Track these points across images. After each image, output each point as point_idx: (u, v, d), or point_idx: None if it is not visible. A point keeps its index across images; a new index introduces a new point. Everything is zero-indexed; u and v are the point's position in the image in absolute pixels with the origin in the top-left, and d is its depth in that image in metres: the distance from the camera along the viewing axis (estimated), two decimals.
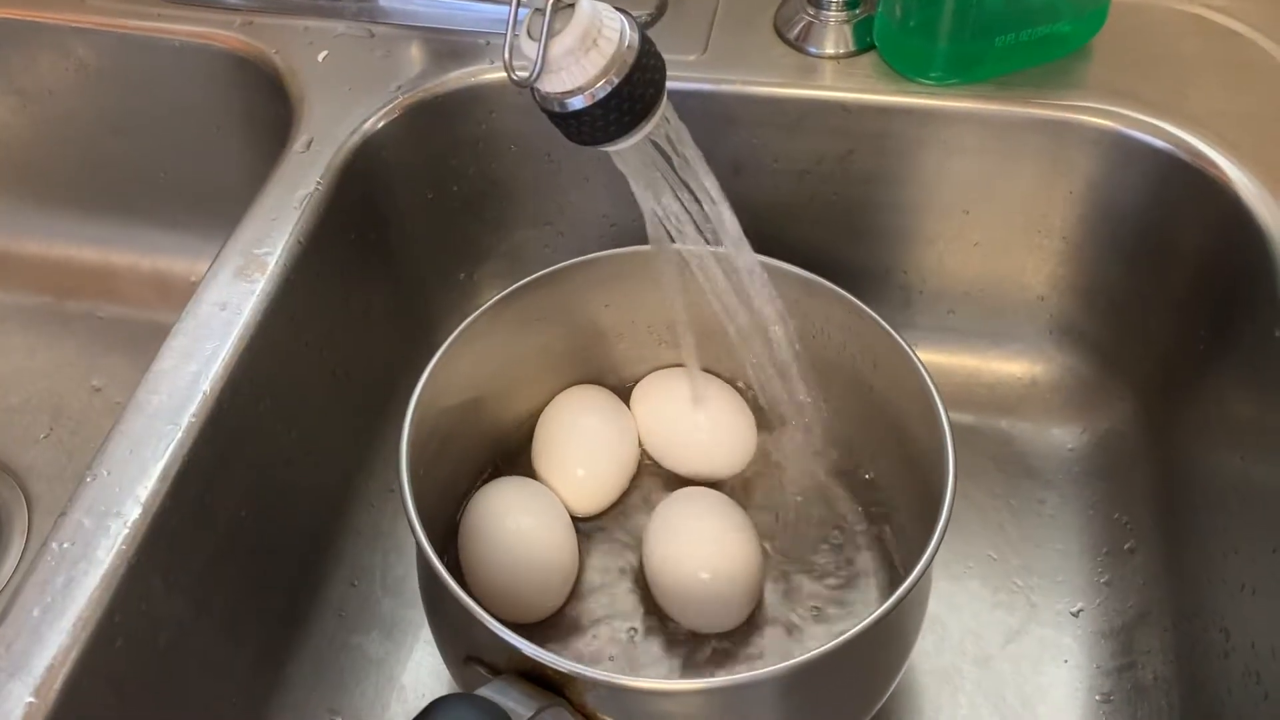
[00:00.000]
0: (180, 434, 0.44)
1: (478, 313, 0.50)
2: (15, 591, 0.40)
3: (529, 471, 0.55)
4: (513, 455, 0.56)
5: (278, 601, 0.53)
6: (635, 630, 0.52)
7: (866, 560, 0.53)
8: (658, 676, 0.50)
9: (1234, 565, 0.49)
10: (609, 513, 0.55)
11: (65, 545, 0.41)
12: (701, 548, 0.51)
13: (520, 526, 0.51)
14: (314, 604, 0.54)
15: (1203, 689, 0.49)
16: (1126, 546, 0.57)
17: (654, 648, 0.51)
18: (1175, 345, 0.57)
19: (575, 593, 0.52)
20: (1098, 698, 0.52)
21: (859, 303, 0.50)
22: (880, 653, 0.46)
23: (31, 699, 0.38)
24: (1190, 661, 0.51)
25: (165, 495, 0.43)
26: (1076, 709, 0.52)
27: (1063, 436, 0.61)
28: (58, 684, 0.38)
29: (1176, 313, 0.57)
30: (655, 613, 0.52)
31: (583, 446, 0.55)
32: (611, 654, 0.51)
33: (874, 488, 0.54)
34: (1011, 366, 0.63)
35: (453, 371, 0.50)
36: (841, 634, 0.40)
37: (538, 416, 0.56)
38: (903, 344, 0.48)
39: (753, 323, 0.48)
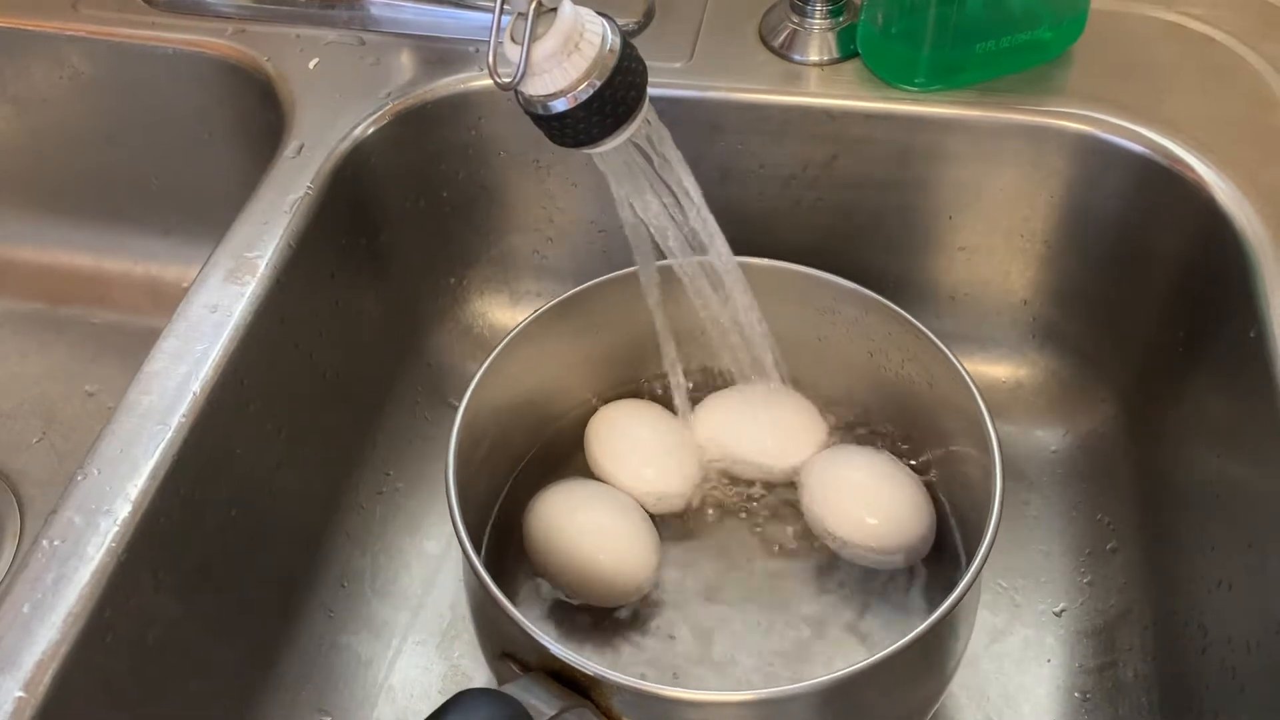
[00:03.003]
0: (170, 434, 0.45)
1: (526, 321, 0.51)
2: (6, 588, 0.41)
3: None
4: (558, 462, 0.56)
5: (267, 601, 0.53)
6: (702, 629, 0.51)
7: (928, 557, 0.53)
8: (721, 674, 0.49)
9: (1212, 562, 0.50)
10: (680, 519, 0.55)
11: (56, 542, 0.41)
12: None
13: (602, 508, 0.52)
14: (304, 604, 0.55)
15: (1181, 685, 0.50)
16: (1108, 547, 0.57)
17: (723, 648, 0.51)
18: (1154, 347, 0.58)
19: (652, 595, 0.52)
20: (1077, 695, 0.53)
21: (917, 323, 0.51)
22: (919, 672, 0.46)
23: (21, 693, 0.38)
24: (1170, 658, 0.52)
25: (155, 494, 0.43)
26: (1058, 707, 0.53)
27: (1046, 438, 0.62)
28: (47, 679, 0.39)
29: (1155, 315, 0.57)
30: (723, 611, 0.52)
31: (647, 450, 0.55)
32: (677, 655, 0.51)
33: (932, 492, 0.54)
34: (996, 370, 0.64)
35: (499, 379, 0.50)
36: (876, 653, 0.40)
37: (583, 424, 0.56)
38: (958, 365, 0.49)
39: (730, 319, 0.49)
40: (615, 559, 0.51)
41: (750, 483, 0.55)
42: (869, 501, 0.52)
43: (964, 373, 0.49)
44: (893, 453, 0.55)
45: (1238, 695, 0.45)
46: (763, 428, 0.55)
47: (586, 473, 0.55)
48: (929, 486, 0.53)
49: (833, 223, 0.61)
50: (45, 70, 0.64)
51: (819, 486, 0.53)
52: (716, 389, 0.56)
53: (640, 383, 0.58)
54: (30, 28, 0.63)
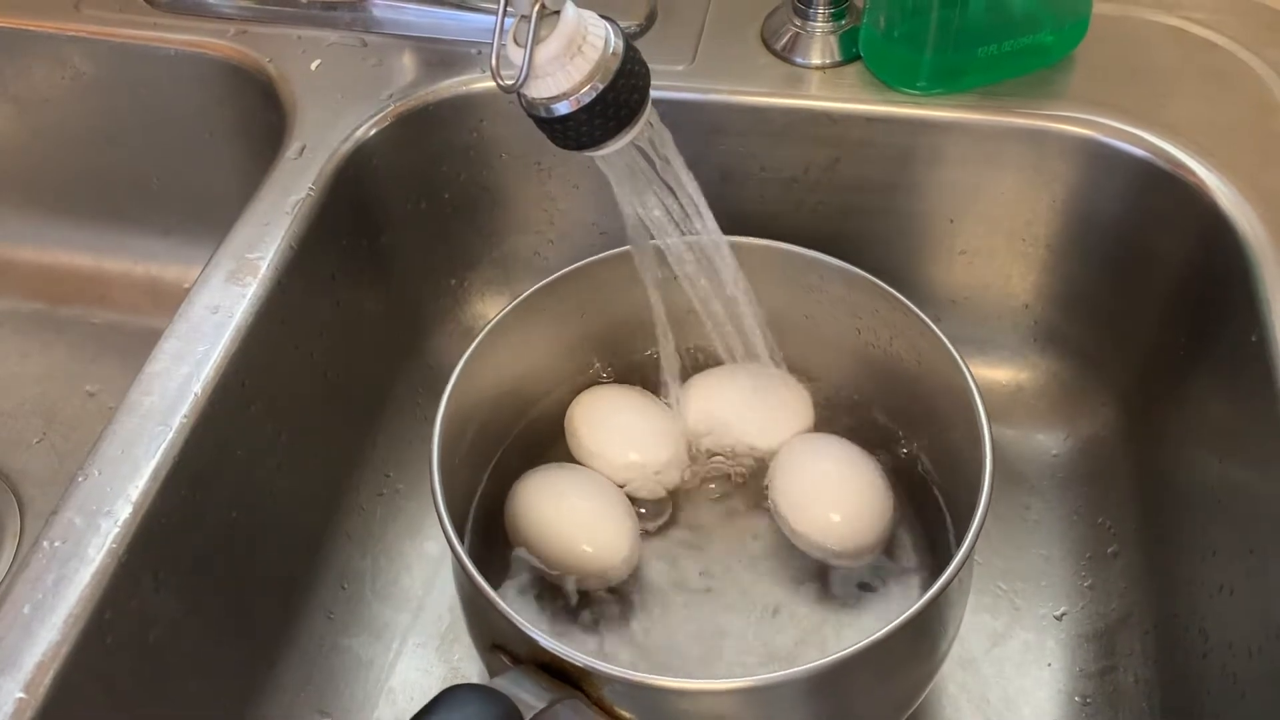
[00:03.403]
0: (171, 435, 0.45)
1: (509, 307, 0.51)
2: (6, 588, 0.41)
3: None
4: (543, 448, 0.56)
5: (268, 602, 0.53)
6: (692, 617, 0.51)
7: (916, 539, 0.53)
8: (712, 661, 0.50)
9: (1213, 567, 0.50)
10: (666, 503, 0.54)
11: (56, 543, 0.41)
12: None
13: (578, 492, 0.52)
14: (304, 606, 0.55)
15: (1182, 690, 0.50)
16: (1109, 550, 0.57)
17: (712, 635, 0.51)
18: (1156, 351, 0.58)
19: (641, 582, 0.52)
20: (1077, 699, 0.53)
21: (902, 298, 0.51)
22: (908, 657, 0.46)
23: (21, 694, 0.38)
24: (1170, 663, 0.52)
25: (156, 495, 0.43)
26: (1059, 711, 0.53)
27: (1047, 442, 0.62)
28: (47, 680, 0.39)
29: (1157, 319, 0.57)
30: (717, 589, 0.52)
31: (630, 435, 0.55)
32: (667, 643, 0.50)
33: (921, 471, 0.54)
34: (996, 373, 0.64)
35: (484, 366, 0.51)
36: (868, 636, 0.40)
37: (564, 409, 0.56)
38: (943, 339, 0.49)
39: (727, 308, 0.49)
40: (593, 542, 0.51)
41: (738, 465, 0.55)
42: (830, 501, 0.52)
43: (949, 347, 0.49)
44: (884, 432, 0.55)
45: (1239, 701, 0.45)
46: (751, 408, 0.55)
47: (568, 458, 0.55)
48: (919, 467, 0.54)
49: (834, 225, 0.61)
50: (47, 70, 0.64)
51: (783, 488, 0.53)
52: (704, 368, 0.56)
53: (624, 365, 0.58)
54: (32, 28, 0.63)
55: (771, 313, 0.52)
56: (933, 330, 0.50)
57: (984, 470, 0.45)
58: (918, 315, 0.50)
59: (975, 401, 0.47)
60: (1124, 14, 0.59)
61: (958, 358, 0.48)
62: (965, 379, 0.48)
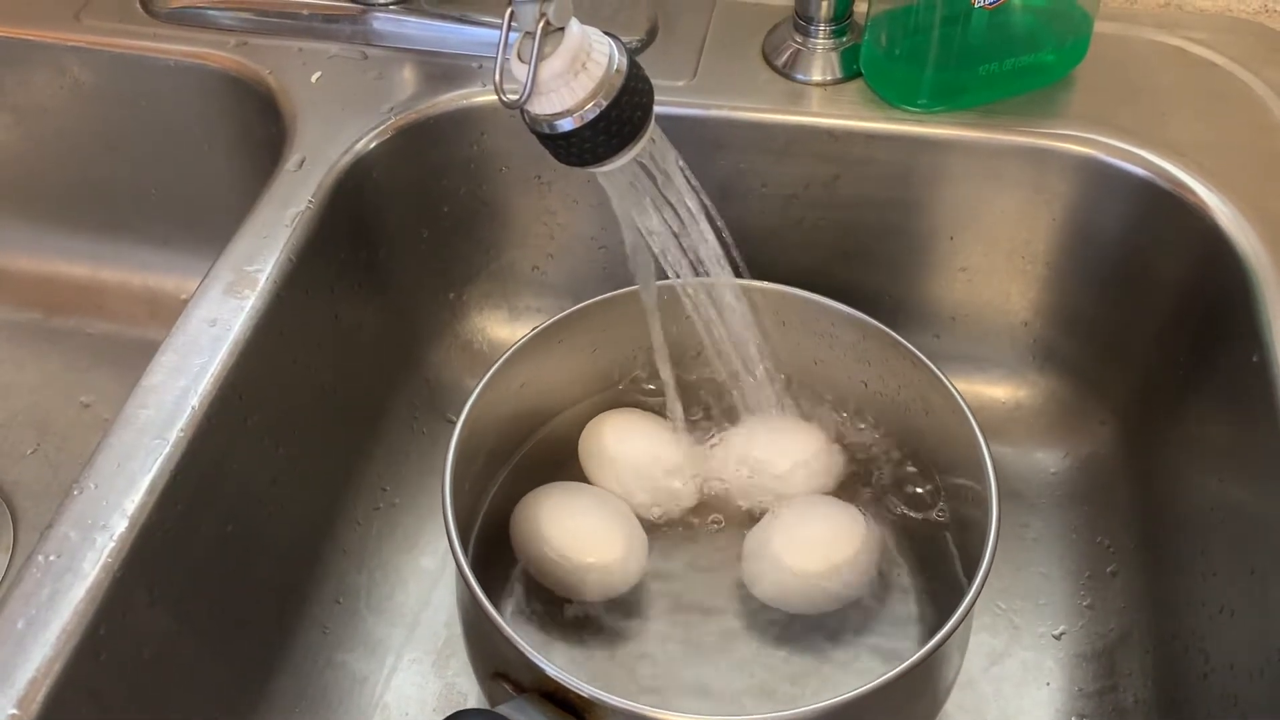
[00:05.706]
0: (168, 449, 0.44)
1: (526, 337, 0.52)
2: (0, 603, 0.40)
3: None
4: (547, 476, 0.55)
5: (263, 617, 0.52)
6: (700, 649, 0.52)
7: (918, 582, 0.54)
8: (717, 697, 0.50)
9: (1213, 587, 0.50)
10: (675, 533, 0.55)
11: (51, 558, 0.41)
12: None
13: (588, 505, 0.53)
14: (299, 621, 0.54)
15: (1182, 711, 0.50)
16: (1108, 570, 0.57)
17: (720, 669, 0.51)
18: (1156, 370, 0.58)
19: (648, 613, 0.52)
20: (1075, 719, 0.53)
21: (914, 349, 0.51)
22: (913, 697, 0.46)
23: (14, 711, 0.38)
24: (1170, 684, 0.51)
25: (152, 509, 0.43)
26: None
27: (1045, 460, 0.62)
28: (40, 696, 0.38)
29: (1157, 338, 0.57)
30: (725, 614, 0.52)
31: (641, 461, 0.54)
32: (673, 676, 0.51)
33: (927, 515, 0.55)
34: (995, 391, 0.64)
35: (495, 395, 0.51)
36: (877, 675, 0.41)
37: (568, 439, 0.56)
38: (956, 394, 0.49)
39: (730, 339, 0.49)
40: (599, 550, 0.51)
41: (748, 503, 0.55)
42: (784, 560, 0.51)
43: (962, 403, 0.49)
44: (892, 477, 0.55)
45: None
46: (760, 451, 0.55)
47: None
48: (924, 509, 0.54)
49: (834, 242, 0.61)
50: (46, 80, 0.64)
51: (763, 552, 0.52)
52: (713, 404, 0.56)
53: (632, 398, 0.58)
54: (32, 37, 0.63)
55: (782, 357, 0.52)
56: (944, 382, 0.50)
57: (989, 528, 0.45)
58: (928, 366, 0.51)
59: (984, 458, 0.47)
60: (1125, 33, 0.60)
61: (968, 412, 0.49)
62: (974, 434, 0.48)
